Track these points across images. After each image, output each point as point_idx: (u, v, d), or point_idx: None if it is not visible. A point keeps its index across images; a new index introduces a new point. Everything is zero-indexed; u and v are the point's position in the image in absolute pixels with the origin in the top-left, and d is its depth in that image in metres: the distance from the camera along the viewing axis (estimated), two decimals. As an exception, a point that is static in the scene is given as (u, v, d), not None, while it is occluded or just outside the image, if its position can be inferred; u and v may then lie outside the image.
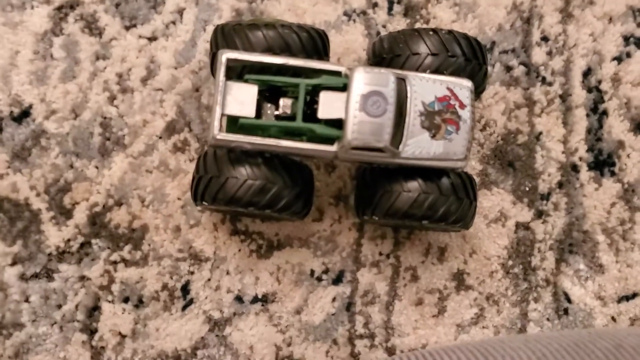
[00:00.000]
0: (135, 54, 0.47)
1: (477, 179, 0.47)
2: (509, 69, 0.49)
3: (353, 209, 0.45)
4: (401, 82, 0.39)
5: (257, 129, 0.40)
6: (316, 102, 0.40)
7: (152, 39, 0.47)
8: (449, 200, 0.40)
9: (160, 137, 0.46)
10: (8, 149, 0.45)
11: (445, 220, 0.41)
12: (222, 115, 0.39)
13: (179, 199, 0.46)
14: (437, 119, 0.39)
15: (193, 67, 0.47)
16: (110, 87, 0.46)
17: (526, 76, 0.49)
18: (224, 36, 0.41)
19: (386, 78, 0.38)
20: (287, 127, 0.40)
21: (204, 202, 0.41)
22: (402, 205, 0.40)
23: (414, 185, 0.40)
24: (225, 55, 0.39)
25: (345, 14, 0.48)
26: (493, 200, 0.48)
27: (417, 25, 0.49)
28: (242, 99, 0.39)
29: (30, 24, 0.46)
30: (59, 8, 0.47)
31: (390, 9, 0.49)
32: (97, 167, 0.46)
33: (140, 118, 0.46)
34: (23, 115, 0.46)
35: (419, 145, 0.39)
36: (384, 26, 0.48)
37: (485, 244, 0.47)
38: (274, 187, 0.39)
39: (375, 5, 0.48)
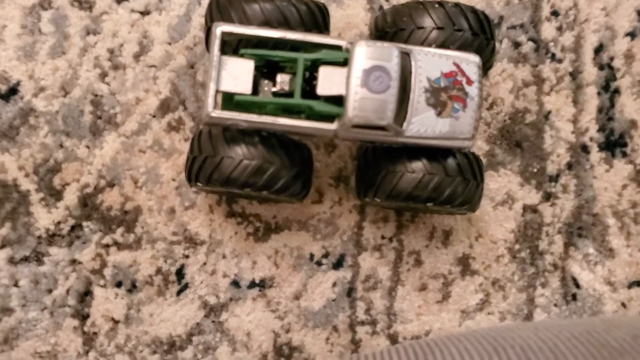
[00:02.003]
0: (128, 29, 0.45)
1: (483, 160, 0.45)
2: (517, 45, 0.47)
3: (354, 191, 0.43)
4: (405, 56, 0.37)
5: (253, 106, 0.38)
6: (315, 78, 0.38)
7: (144, 13, 0.45)
8: (455, 181, 0.39)
9: (153, 116, 0.45)
10: (-5, 128, 0.44)
11: (451, 202, 0.39)
12: (217, 91, 0.37)
13: (173, 179, 0.44)
14: (443, 96, 0.37)
15: (188, 43, 0.45)
16: (102, 63, 0.44)
17: (535, 53, 0.47)
18: (219, 9, 0.39)
19: (389, 52, 0.36)
20: (285, 104, 0.38)
21: (198, 183, 0.39)
22: (406, 186, 0.38)
23: (418, 165, 0.38)
24: (220, 28, 0.37)
25: (346, -13, 0.46)
26: (500, 182, 0.46)
27: (423, 0, 0.46)
28: (238, 74, 0.37)
29: (18, -3, 0.45)
30: (48, -20, 0.45)
31: (393, -18, 0.46)
32: (88, 147, 0.44)
33: (132, 96, 0.44)
34: (10, 92, 0.44)
35: (423, 124, 0.37)
36: (387, 0, 0.46)
37: (491, 227, 0.46)
38: (271, 167, 0.38)
39: (378, -23, 0.46)
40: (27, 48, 0.44)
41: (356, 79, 0.36)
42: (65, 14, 0.45)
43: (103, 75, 0.44)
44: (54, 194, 0.43)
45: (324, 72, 0.37)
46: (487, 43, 0.40)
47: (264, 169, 0.38)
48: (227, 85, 0.37)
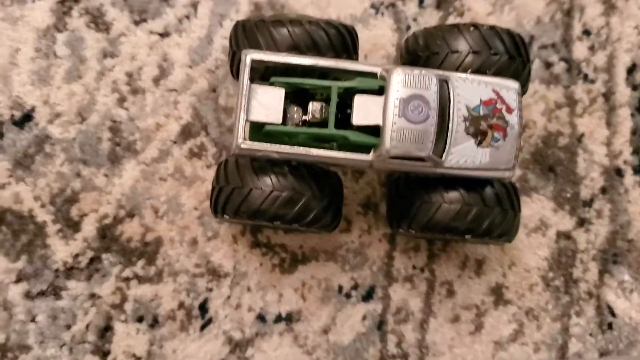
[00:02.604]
0: (146, 52, 0.43)
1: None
2: (548, 65, 0.45)
3: (384, 219, 0.42)
4: (443, 83, 0.36)
5: (284, 135, 0.36)
6: (348, 106, 0.36)
7: (164, 34, 0.43)
8: (494, 212, 0.37)
9: (174, 142, 0.43)
10: (10, 157, 0.42)
11: (489, 234, 0.37)
12: (247, 121, 0.36)
13: (195, 208, 0.42)
14: (483, 125, 0.36)
15: (209, 66, 0.43)
16: (120, 87, 0.43)
17: (567, 73, 0.45)
18: (245, 33, 0.38)
19: (428, 80, 0.35)
20: (319, 134, 0.36)
21: (225, 216, 0.37)
22: (443, 218, 0.37)
23: (455, 195, 0.37)
24: (250, 56, 0.36)
25: (372, 6, 0.45)
26: (533, 208, 0.44)
27: (451, 19, 0.45)
28: (268, 103, 0.36)
29: (32, 19, 0.43)
30: (62, 1, 0.43)
31: (421, 0, 0.45)
32: (106, 176, 0.42)
33: (152, 121, 0.43)
34: (25, 119, 0.42)
35: (463, 154, 0.36)
36: (414, 19, 0.45)
37: (525, 255, 0.44)
38: (302, 198, 0.36)
39: (405, -4, 0.45)
40: (42, 72, 0.42)
41: (394, 108, 0.35)
42: (81, 36, 0.43)
43: (121, 100, 0.43)
44: (72, 225, 0.42)
45: (358, 100, 0.36)
46: (523, 67, 0.39)
47: (294, 201, 0.36)
48: (258, 115, 0.36)
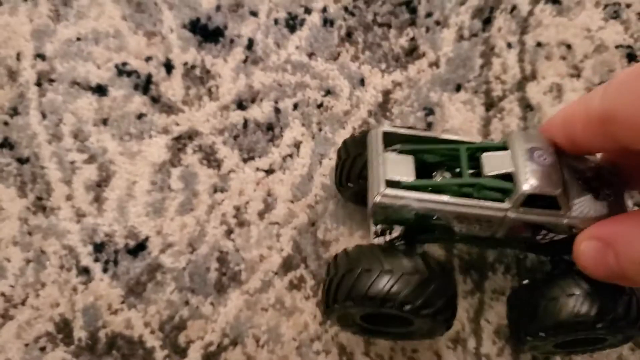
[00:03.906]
0: (253, 187, 0.46)
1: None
2: None
3: (474, 356, 0.43)
4: None
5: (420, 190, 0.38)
6: (476, 167, 0.38)
7: (269, 171, 0.47)
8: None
9: (276, 273, 0.45)
10: (123, 284, 0.44)
11: (626, 317, 0.37)
12: (385, 180, 0.37)
13: (294, 339, 0.45)
14: (594, 183, 0.38)
15: (309, 201, 0.47)
16: (228, 220, 0.46)
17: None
18: (354, 141, 0.41)
19: (540, 136, 0.38)
20: (455, 183, 0.37)
21: (335, 305, 0.37)
22: (572, 309, 0.36)
23: (582, 285, 0.37)
24: (382, 129, 0.39)
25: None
26: None
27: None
28: (400, 169, 0.38)
29: (149, 154, 0.46)
30: (178, 138, 0.47)
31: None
32: (212, 304, 0.44)
33: (257, 253, 0.45)
34: (139, 248, 0.45)
35: (584, 205, 0.37)
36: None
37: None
38: (431, 284, 0.36)
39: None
40: (157, 204, 0.46)
41: (522, 155, 0.37)
42: (195, 171, 0.46)
43: (229, 232, 0.46)
44: (179, 352, 0.44)
45: (486, 156, 0.38)
46: None
47: (421, 285, 0.36)
48: (393, 176, 0.37)
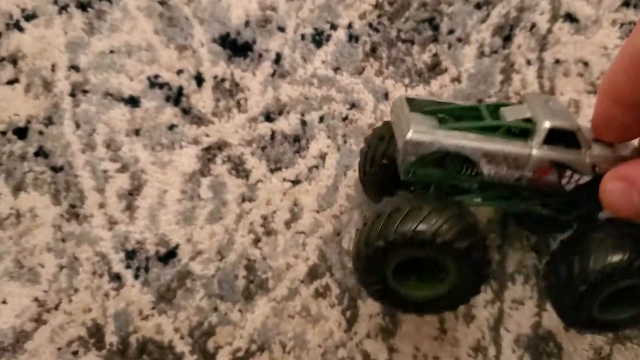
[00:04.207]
0: (280, 197, 0.48)
1: None
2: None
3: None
4: None
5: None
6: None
7: (295, 182, 0.48)
8: None
9: (302, 282, 0.47)
10: (154, 290, 0.46)
11: None
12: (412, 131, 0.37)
13: (319, 346, 0.46)
14: None
15: (335, 212, 0.48)
16: (256, 229, 0.47)
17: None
18: (374, 134, 0.43)
19: (552, 98, 0.40)
20: (480, 125, 0.39)
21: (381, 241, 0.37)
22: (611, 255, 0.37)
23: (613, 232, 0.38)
24: (405, 95, 0.40)
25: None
26: None
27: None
28: (425, 123, 0.38)
29: (179, 164, 0.48)
30: (207, 149, 0.48)
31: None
32: (240, 311, 0.46)
33: (283, 261, 0.47)
34: (169, 255, 0.46)
35: (604, 145, 0.38)
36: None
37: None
38: (476, 231, 0.37)
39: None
40: (187, 213, 0.47)
41: (539, 104, 0.39)
42: (224, 181, 0.48)
43: (256, 241, 0.47)
44: (208, 357, 0.45)
45: (505, 109, 0.40)
46: None
47: (471, 230, 0.37)
48: (420, 127, 0.38)
